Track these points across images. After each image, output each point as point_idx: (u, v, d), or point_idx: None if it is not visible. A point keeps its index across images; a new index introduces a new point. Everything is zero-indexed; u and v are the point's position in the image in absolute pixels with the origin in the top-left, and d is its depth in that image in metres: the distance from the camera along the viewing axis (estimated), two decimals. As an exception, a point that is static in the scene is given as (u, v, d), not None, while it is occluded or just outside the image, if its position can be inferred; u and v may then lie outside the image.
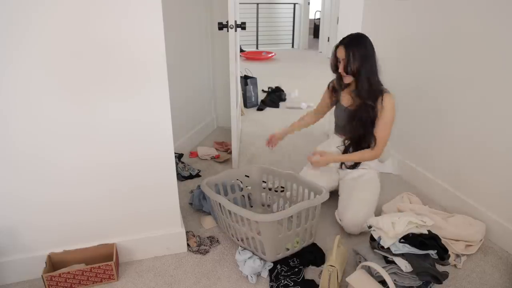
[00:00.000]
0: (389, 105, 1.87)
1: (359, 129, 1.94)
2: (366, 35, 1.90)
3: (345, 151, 2.03)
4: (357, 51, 1.82)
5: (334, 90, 2.10)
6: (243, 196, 2.04)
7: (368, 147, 1.95)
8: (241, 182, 2.07)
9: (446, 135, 2.11)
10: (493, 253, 1.78)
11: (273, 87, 4.35)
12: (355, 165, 2.02)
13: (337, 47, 1.90)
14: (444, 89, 2.09)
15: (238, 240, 1.73)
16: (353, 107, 1.96)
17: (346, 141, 2.03)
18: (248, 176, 2.05)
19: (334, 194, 2.14)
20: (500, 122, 1.78)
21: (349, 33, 1.93)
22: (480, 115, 1.88)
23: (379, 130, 1.91)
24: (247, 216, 1.54)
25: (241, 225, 1.63)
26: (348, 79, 1.91)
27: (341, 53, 1.86)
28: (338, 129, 2.14)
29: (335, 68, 1.94)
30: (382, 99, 1.87)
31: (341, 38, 1.91)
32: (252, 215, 1.53)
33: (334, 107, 2.16)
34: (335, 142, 2.13)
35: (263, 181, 2.07)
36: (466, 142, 1.98)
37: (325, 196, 1.65)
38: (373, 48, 1.86)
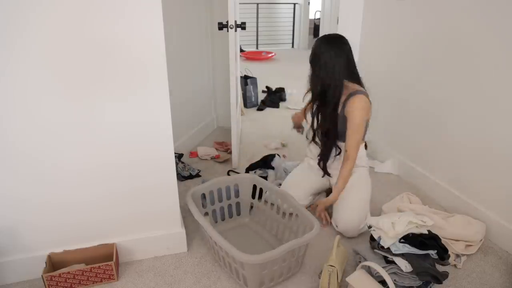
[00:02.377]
0: (354, 108, 1.79)
1: (325, 130, 1.90)
2: (340, 37, 1.83)
3: (322, 159, 1.98)
4: (312, 57, 1.83)
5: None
6: (230, 205, 1.97)
7: (340, 151, 1.93)
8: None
9: (446, 135, 2.11)
10: (493, 253, 1.78)
11: (272, 88, 4.34)
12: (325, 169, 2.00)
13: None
14: (444, 89, 2.09)
15: (222, 262, 1.65)
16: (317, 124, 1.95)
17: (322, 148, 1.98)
18: (237, 185, 1.99)
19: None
20: (500, 122, 1.78)
21: (344, 33, 1.90)
22: (480, 115, 1.88)
23: (347, 138, 1.85)
24: (233, 255, 1.44)
25: (225, 254, 1.54)
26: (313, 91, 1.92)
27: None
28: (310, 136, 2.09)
29: None
30: (348, 102, 1.81)
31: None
32: (238, 254, 1.42)
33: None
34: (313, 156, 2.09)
35: (253, 188, 2.00)
36: (466, 142, 1.98)
37: (317, 232, 1.53)
38: (340, 48, 1.78)
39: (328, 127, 1.88)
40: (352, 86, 1.86)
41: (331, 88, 1.80)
